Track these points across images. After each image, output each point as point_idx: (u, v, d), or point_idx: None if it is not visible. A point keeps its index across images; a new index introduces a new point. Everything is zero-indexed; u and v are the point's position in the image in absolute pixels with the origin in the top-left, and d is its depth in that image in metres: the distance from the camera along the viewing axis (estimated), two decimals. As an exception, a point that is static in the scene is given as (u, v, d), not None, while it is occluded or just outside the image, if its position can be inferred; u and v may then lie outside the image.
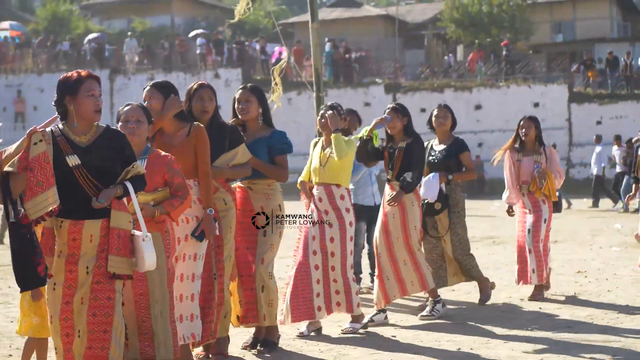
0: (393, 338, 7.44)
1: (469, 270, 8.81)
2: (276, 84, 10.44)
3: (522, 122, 9.27)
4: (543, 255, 9.09)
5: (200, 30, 41.81)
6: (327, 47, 36.56)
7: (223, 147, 6.49)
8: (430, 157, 8.75)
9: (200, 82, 6.77)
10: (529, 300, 9.06)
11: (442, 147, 8.78)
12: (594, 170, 24.12)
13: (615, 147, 22.81)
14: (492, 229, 17.41)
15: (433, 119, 8.83)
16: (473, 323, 7.96)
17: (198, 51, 38.71)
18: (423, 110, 35.28)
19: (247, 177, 6.87)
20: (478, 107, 34.90)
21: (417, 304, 8.93)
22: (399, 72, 38.35)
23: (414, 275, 8.11)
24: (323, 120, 7.61)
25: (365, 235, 9.72)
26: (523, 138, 9.23)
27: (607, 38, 41.49)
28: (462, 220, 8.77)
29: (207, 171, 6.19)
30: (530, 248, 9.06)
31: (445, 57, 39.74)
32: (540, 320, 8.03)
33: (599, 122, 33.68)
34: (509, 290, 9.63)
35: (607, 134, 33.26)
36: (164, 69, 38.46)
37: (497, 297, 9.19)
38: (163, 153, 5.78)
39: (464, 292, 9.73)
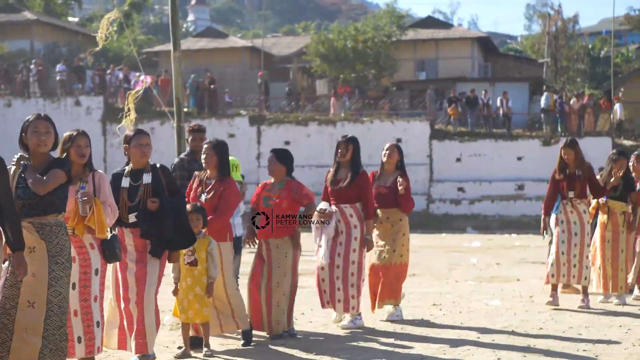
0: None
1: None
2: (129, 109, 10.31)
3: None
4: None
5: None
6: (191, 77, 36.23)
7: None
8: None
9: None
10: None
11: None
12: None
13: None
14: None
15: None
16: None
17: (58, 78, 37.67)
18: (287, 142, 35.41)
19: None
20: (341, 141, 35.00)
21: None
22: (263, 104, 38.29)
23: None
24: None
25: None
26: None
27: (468, 77, 42.63)
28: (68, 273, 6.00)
29: None
30: None
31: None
32: (393, 354, 7.86)
33: (458, 159, 34.45)
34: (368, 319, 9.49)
35: (467, 170, 34.19)
36: (22, 94, 37.27)
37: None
38: None
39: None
